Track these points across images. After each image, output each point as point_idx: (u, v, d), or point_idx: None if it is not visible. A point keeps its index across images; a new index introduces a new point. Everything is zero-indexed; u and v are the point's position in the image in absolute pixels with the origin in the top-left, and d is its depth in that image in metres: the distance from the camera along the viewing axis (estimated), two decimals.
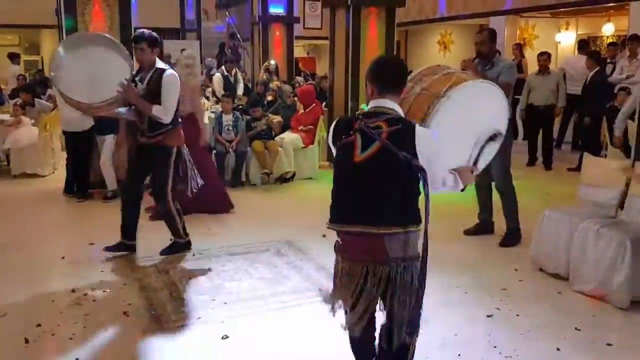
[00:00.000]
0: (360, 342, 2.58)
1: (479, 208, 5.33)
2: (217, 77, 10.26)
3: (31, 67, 16.91)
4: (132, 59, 4.63)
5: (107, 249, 4.67)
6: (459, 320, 3.64)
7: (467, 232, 5.35)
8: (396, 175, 2.33)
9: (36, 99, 8.54)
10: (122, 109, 4.57)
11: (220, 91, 9.74)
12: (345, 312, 2.48)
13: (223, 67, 10.69)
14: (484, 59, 4.96)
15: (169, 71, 4.44)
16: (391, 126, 2.35)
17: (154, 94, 4.37)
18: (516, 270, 4.50)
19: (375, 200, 2.35)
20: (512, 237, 5.09)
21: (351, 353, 2.64)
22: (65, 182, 6.87)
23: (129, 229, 4.71)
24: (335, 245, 2.50)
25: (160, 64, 4.47)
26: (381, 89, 2.45)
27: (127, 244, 4.72)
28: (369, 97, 2.52)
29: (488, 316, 3.71)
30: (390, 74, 2.49)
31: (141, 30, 4.54)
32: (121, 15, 6.74)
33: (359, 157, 2.35)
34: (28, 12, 14.47)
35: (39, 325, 3.49)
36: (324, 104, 9.29)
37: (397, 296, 2.36)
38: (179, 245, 4.78)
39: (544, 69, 8.42)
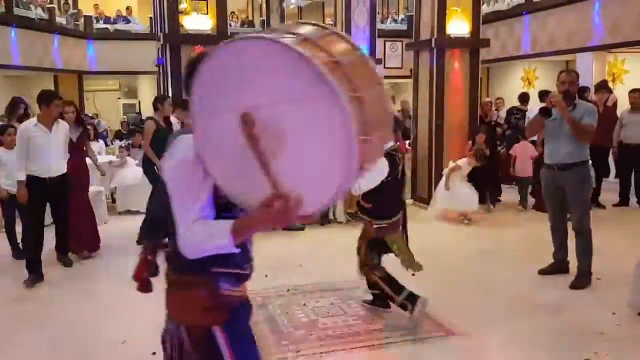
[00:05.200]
0: None
1: (555, 247, 5.31)
2: None
3: (129, 111, 18.35)
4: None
5: None
6: None
7: (542, 272, 5.31)
8: None
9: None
10: None
11: None
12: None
13: None
14: (568, 99, 4.93)
15: None
16: None
17: None
18: (614, 314, 4.39)
19: None
20: (583, 280, 5.00)
21: None
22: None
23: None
24: None
25: None
26: None
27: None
28: None
29: None
30: None
31: None
32: None
33: None
34: (129, 61, 15.82)
35: None
36: (407, 142, 9.46)
37: None
38: None
39: (636, 106, 8.18)
